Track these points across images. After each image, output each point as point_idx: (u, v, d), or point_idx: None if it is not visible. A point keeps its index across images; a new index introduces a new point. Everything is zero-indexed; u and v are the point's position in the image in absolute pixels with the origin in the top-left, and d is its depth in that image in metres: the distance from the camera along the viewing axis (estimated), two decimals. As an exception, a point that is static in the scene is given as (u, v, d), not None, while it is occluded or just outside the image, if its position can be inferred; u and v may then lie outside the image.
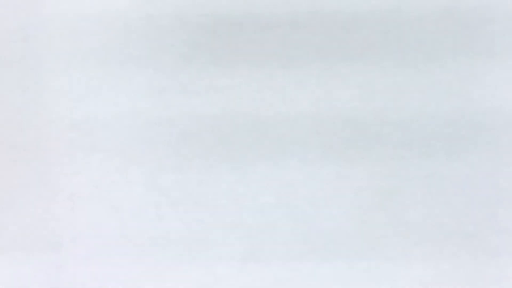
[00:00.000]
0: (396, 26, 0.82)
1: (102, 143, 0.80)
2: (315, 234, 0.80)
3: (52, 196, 0.83)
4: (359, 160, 0.81)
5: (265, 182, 0.81)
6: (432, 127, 0.81)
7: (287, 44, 0.82)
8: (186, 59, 0.83)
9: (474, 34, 0.81)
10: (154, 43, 0.83)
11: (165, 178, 0.80)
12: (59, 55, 0.83)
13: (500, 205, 0.81)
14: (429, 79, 0.81)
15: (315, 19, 0.82)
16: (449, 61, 0.81)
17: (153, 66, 0.83)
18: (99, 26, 0.83)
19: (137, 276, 0.81)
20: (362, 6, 0.82)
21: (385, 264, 0.80)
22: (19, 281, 0.82)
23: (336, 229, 0.80)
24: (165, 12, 0.83)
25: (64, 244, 0.82)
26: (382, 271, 0.79)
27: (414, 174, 0.81)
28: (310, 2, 0.82)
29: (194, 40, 0.83)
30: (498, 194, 0.81)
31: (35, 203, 0.83)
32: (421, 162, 0.81)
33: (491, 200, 0.81)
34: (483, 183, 0.81)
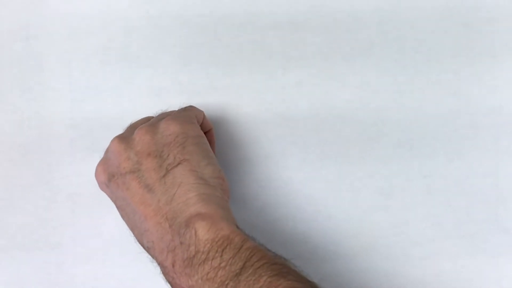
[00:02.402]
0: (396, 26, 0.82)
1: (102, 143, 0.80)
2: (315, 234, 0.80)
3: (52, 196, 0.83)
4: (359, 160, 0.82)
5: (265, 182, 0.81)
6: (432, 127, 0.81)
7: (287, 44, 0.82)
8: (186, 59, 0.83)
9: (474, 34, 0.81)
10: (154, 43, 0.83)
11: (165, 178, 0.79)
12: (59, 55, 0.83)
13: (500, 205, 0.81)
14: (429, 79, 0.81)
15: (315, 19, 0.82)
16: (449, 61, 0.81)
17: (153, 66, 0.83)
18: (99, 26, 0.83)
19: (137, 276, 0.81)
20: (362, 6, 0.82)
21: (385, 264, 0.80)
22: (19, 281, 0.82)
23: (336, 229, 0.80)
24: (165, 12, 0.83)
25: (64, 244, 0.82)
26: (382, 271, 0.79)
27: (414, 174, 0.81)
28: (310, 2, 0.82)
29: (194, 40, 0.83)
30: (498, 194, 0.81)
31: (35, 203, 0.83)
32: (421, 162, 0.81)
33: (491, 200, 0.81)
34: (483, 183, 0.81)
